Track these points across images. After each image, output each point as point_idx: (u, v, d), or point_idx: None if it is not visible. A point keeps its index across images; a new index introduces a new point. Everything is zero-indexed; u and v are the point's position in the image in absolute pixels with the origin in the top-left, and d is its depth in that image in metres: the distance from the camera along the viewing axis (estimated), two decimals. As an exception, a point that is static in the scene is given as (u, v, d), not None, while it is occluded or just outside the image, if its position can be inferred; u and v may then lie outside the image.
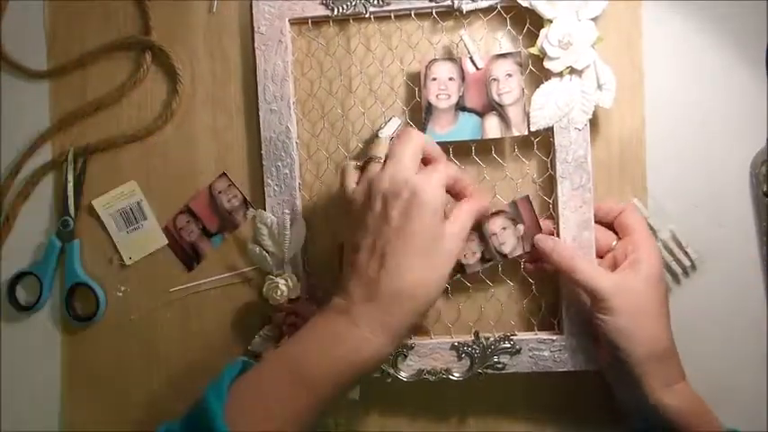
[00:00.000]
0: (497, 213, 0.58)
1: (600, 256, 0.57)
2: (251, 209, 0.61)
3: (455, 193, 0.54)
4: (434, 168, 0.51)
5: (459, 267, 0.58)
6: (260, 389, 0.47)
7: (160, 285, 0.62)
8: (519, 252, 0.57)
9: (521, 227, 0.58)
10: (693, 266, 0.60)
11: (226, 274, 0.62)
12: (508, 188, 0.59)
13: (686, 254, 0.59)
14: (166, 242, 0.62)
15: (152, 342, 0.62)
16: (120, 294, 0.63)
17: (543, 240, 0.57)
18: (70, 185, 0.62)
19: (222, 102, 0.62)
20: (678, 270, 0.60)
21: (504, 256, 0.58)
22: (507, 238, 0.58)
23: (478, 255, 0.58)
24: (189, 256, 0.62)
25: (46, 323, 0.64)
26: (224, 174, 0.62)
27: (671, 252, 0.59)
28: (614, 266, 0.56)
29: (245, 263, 0.62)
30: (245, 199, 0.62)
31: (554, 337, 0.58)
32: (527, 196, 0.58)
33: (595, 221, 0.57)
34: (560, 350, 0.58)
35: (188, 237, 0.62)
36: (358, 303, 0.48)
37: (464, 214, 0.52)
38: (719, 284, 0.59)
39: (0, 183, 0.64)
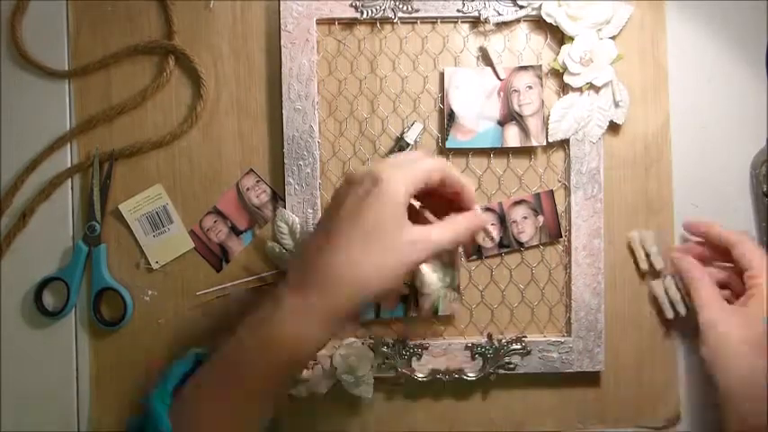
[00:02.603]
0: (520, 202, 0.60)
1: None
2: (281, 201, 0.60)
3: (454, 200, 0.50)
4: (410, 164, 0.47)
5: (477, 251, 0.60)
6: (200, 395, 0.48)
7: (188, 289, 0.61)
8: (536, 242, 0.60)
9: (541, 218, 0.60)
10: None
11: (250, 278, 0.61)
12: (521, 196, 0.61)
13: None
14: (193, 246, 0.61)
15: (180, 346, 0.61)
16: (148, 299, 0.61)
17: (680, 259, 0.59)
18: (96, 190, 0.60)
19: (246, 104, 0.61)
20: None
21: (521, 244, 0.60)
22: (527, 228, 0.60)
23: (496, 240, 0.60)
24: (217, 257, 0.61)
25: (74, 328, 0.62)
26: (251, 170, 0.61)
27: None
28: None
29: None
30: (274, 193, 0.61)
31: (562, 339, 0.61)
32: (551, 191, 0.60)
33: (705, 244, 0.59)
34: (568, 352, 0.60)
35: (216, 237, 0.61)
36: (292, 288, 0.46)
37: (449, 229, 0.48)
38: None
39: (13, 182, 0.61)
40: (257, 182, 0.61)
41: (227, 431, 0.47)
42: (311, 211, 0.60)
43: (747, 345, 0.52)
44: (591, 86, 0.59)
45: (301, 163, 0.60)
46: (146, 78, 0.62)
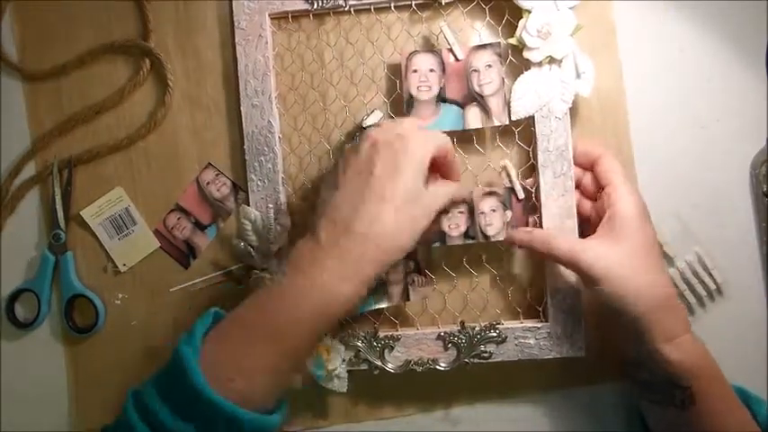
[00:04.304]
0: (491, 194, 0.58)
1: (594, 199, 0.58)
2: (242, 192, 0.61)
3: (443, 173, 0.54)
4: (429, 133, 0.53)
5: (441, 237, 0.58)
6: (231, 343, 0.47)
7: (158, 288, 0.62)
8: (501, 237, 0.58)
9: (509, 213, 0.58)
10: (719, 290, 0.60)
11: (219, 272, 0.61)
12: (490, 178, 0.60)
13: (711, 276, 0.59)
14: (158, 245, 0.62)
15: (156, 345, 0.62)
16: (119, 302, 0.62)
17: (517, 234, 0.57)
18: (58, 198, 0.61)
19: (198, 98, 0.62)
20: (703, 293, 0.60)
21: (487, 237, 0.58)
22: (494, 221, 0.58)
23: (462, 229, 0.58)
24: (184, 254, 0.62)
25: (47, 338, 0.63)
26: (209, 164, 0.62)
27: (696, 274, 0.60)
28: (598, 218, 0.56)
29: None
30: (234, 185, 0.62)
31: (539, 325, 0.58)
32: (522, 186, 0.58)
33: (574, 163, 0.58)
34: (546, 338, 0.58)
35: (180, 234, 0.62)
36: (325, 246, 0.48)
37: (443, 191, 0.53)
38: (722, 278, 0.60)
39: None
40: (217, 175, 0.62)
41: (260, 378, 0.47)
42: (273, 206, 0.59)
43: (633, 266, 0.51)
44: (551, 60, 0.57)
45: (262, 159, 0.60)
46: (101, 84, 0.63)
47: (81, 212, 0.62)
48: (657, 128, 0.60)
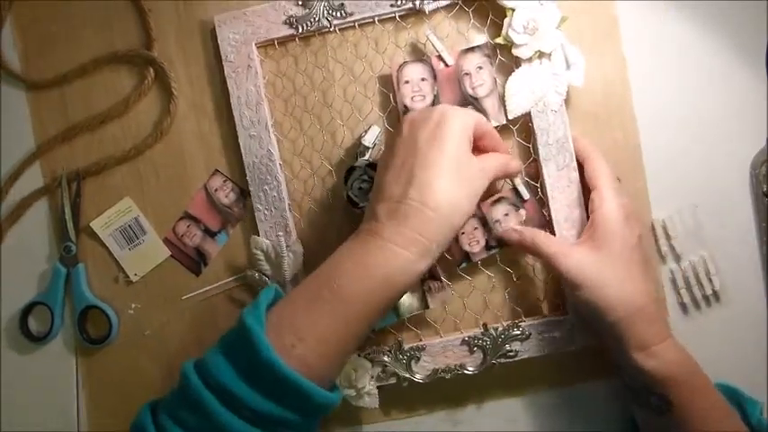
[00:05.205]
0: (499, 200, 0.59)
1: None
2: (250, 199, 0.60)
3: (489, 149, 0.54)
4: (468, 110, 0.53)
5: (465, 256, 0.59)
6: (295, 308, 0.47)
7: (170, 297, 0.62)
8: None
9: (523, 212, 0.58)
10: (716, 296, 0.60)
11: (231, 278, 0.62)
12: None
13: (711, 282, 0.59)
14: (169, 253, 0.62)
15: (169, 354, 0.62)
16: (132, 312, 0.63)
17: (505, 234, 0.57)
18: (67, 210, 0.61)
19: (202, 104, 0.62)
20: (698, 295, 0.60)
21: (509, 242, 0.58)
22: (510, 224, 0.58)
23: (483, 243, 0.59)
24: (195, 261, 0.62)
25: (61, 350, 0.63)
26: (217, 171, 0.62)
27: (696, 277, 0.60)
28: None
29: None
30: (241, 190, 0.62)
31: (561, 318, 0.58)
32: (526, 181, 0.59)
33: None
34: (570, 329, 0.58)
35: (191, 242, 0.62)
36: (384, 221, 0.47)
37: (494, 159, 0.53)
38: (719, 284, 0.60)
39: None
40: (224, 181, 0.62)
41: (325, 345, 0.46)
42: (283, 233, 0.59)
43: (611, 274, 0.52)
44: (541, 54, 0.57)
45: (266, 188, 0.60)
46: (106, 94, 0.63)
47: (91, 224, 0.62)
48: (658, 128, 0.60)
